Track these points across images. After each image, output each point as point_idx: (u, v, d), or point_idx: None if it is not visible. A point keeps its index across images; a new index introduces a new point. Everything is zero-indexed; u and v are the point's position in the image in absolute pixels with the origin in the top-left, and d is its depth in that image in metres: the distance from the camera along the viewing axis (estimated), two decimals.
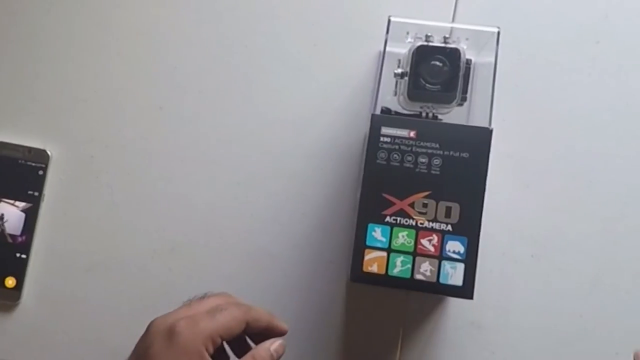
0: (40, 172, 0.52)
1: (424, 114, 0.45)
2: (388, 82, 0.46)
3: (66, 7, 0.55)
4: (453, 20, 0.52)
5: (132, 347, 0.37)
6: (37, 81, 0.54)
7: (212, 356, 0.35)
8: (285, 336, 0.50)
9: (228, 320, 0.36)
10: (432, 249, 0.41)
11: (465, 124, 0.46)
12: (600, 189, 0.51)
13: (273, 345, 0.38)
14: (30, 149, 0.53)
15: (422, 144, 0.42)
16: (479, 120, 0.44)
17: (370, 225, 0.42)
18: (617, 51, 0.52)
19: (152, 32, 0.54)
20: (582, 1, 0.52)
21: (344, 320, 0.51)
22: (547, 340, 0.50)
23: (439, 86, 0.43)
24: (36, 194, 0.52)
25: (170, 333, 0.34)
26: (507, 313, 0.50)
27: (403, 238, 0.42)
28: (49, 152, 0.53)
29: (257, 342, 0.39)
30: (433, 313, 0.51)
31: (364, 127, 0.50)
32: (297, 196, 0.52)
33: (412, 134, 0.42)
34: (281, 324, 0.40)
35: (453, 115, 0.46)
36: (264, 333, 0.39)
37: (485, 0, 0.52)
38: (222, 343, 0.37)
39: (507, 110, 0.50)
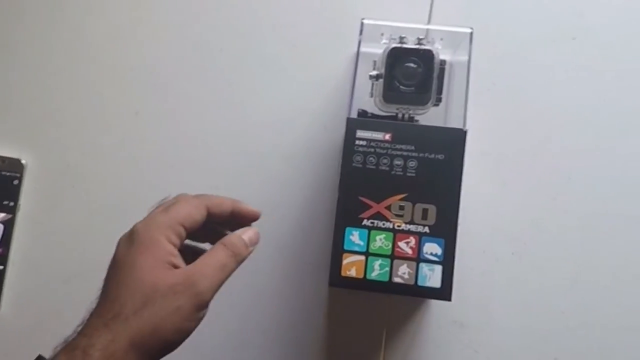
0: (15, 182, 0.52)
1: (400, 116, 0.45)
2: (366, 83, 0.46)
3: (39, 13, 0.54)
4: (429, 21, 0.51)
5: None
6: (10, 89, 0.53)
7: (186, 256, 0.35)
8: (267, 339, 0.51)
9: (184, 209, 0.35)
10: (409, 251, 0.41)
11: (443, 124, 0.46)
12: (578, 185, 0.51)
13: (246, 233, 0.36)
14: (4, 159, 0.52)
15: (397, 146, 0.42)
16: (456, 121, 0.44)
17: (347, 229, 0.42)
18: (593, 47, 0.52)
19: (126, 37, 0.54)
20: None
21: (326, 322, 0.51)
22: (530, 337, 0.50)
23: (413, 88, 0.43)
24: (11, 204, 0.51)
25: (130, 235, 0.34)
26: (489, 311, 0.51)
27: (380, 241, 0.41)
28: (23, 161, 0.52)
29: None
30: (415, 313, 0.51)
31: (343, 128, 0.50)
32: (276, 198, 0.52)
33: (387, 136, 0.42)
34: (250, 207, 0.38)
35: (431, 116, 0.45)
36: (235, 220, 0.38)
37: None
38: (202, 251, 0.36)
39: (485, 109, 0.50)
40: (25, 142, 0.53)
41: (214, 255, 0.35)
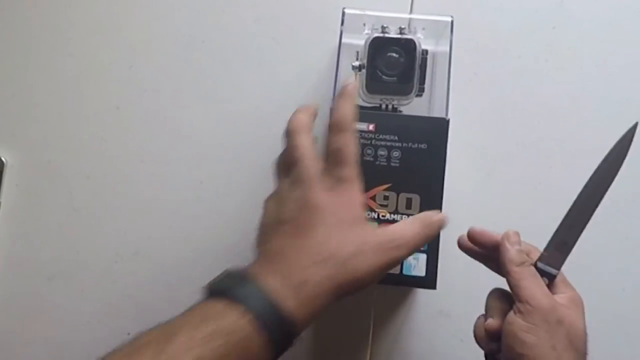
0: None
1: (384, 106, 0.45)
2: (350, 74, 0.45)
3: (15, 7, 0.53)
4: (411, 10, 0.51)
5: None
6: None
7: None
8: None
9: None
10: None
11: (426, 114, 0.46)
12: (560, 174, 0.51)
13: (436, 214, 0.38)
14: None
15: (381, 136, 0.42)
16: (441, 111, 0.44)
17: None
18: (573, 36, 0.52)
19: (105, 30, 0.53)
20: None
21: None
22: None
23: (395, 78, 0.43)
24: None
25: (330, 184, 0.36)
26: (474, 300, 0.50)
27: None
28: (3, 159, 0.51)
29: None
30: (402, 304, 0.51)
31: (327, 120, 0.50)
32: (262, 192, 0.51)
33: (371, 127, 0.42)
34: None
35: (415, 106, 0.46)
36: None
37: None
38: None
39: (467, 99, 0.51)
40: (4, 139, 0.52)
41: (408, 223, 0.37)
